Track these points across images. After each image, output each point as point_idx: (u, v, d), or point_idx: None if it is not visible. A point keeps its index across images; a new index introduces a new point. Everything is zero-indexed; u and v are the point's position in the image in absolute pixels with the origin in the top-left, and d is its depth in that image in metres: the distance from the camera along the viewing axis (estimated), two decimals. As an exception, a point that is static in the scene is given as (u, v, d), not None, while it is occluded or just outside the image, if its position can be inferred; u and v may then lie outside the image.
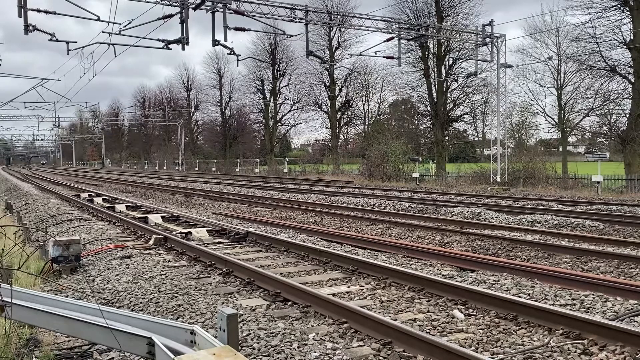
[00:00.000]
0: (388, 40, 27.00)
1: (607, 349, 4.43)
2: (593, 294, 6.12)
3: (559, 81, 35.40)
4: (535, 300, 5.79)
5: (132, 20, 19.79)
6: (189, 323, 3.87)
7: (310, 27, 25.08)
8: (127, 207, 16.76)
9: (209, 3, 20.41)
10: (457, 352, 4.09)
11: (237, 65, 24.74)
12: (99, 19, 19.78)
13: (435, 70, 40.48)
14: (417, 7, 39.30)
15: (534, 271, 7.34)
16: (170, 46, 20.78)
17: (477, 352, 4.45)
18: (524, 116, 42.14)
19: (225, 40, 20.52)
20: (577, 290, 6.37)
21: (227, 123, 68.66)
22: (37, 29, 19.04)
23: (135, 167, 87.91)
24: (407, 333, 4.58)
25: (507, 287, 6.52)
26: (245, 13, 21.74)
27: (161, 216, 13.64)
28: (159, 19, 20.06)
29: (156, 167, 78.40)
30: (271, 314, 5.64)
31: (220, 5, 20.41)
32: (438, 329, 5.10)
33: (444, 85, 40.57)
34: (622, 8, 28.02)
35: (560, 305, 5.74)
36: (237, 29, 21.57)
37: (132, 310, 5.86)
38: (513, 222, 13.22)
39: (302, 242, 9.56)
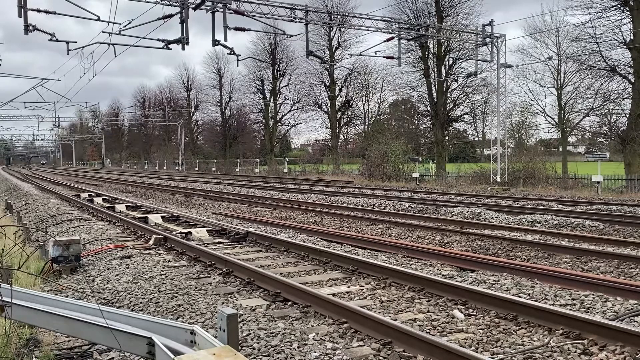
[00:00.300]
0: (388, 40, 27.01)
1: (607, 349, 4.43)
2: (593, 294, 6.12)
3: (559, 81, 35.43)
4: (535, 300, 5.79)
5: (132, 20, 19.81)
6: (189, 323, 3.87)
7: (310, 27, 25.10)
8: (127, 207, 16.76)
9: (209, 3, 20.40)
10: (457, 352, 4.09)
11: (237, 65, 24.76)
12: (99, 19, 19.79)
13: (435, 70, 40.48)
14: (417, 7, 39.36)
15: (534, 271, 7.34)
16: (170, 46, 20.78)
17: (477, 352, 4.45)
18: (524, 116, 42.21)
19: (225, 40, 20.54)
20: (577, 290, 6.37)
21: (227, 123, 68.68)
22: (37, 29, 19.04)
23: (135, 167, 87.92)
24: (407, 333, 4.58)
25: (507, 287, 6.52)
26: (245, 13, 21.74)
27: (161, 216, 13.64)
28: (159, 19, 20.06)
29: (156, 167, 78.41)
30: (271, 314, 5.64)
31: (220, 5, 20.41)
32: (438, 329, 5.10)
33: (444, 85, 40.58)
34: (622, 8, 28.01)
35: (560, 305, 5.74)
36: (237, 29, 21.57)
37: (132, 310, 5.86)
38: (513, 222, 13.22)
39: (302, 242, 9.56)
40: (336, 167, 49.73)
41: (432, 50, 40.59)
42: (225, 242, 10.36)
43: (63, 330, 3.44)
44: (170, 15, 20.05)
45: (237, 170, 56.03)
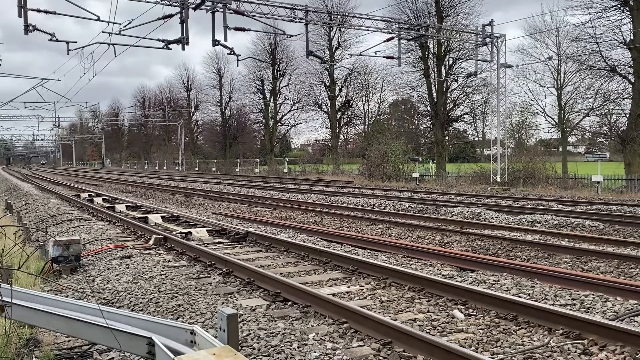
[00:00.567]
0: (388, 40, 27.01)
1: (607, 349, 4.43)
2: (593, 294, 6.12)
3: (559, 81, 35.43)
4: (535, 300, 5.79)
5: (132, 20, 19.80)
6: (189, 323, 3.87)
7: (310, 27, 25.11)
8: (127, 207, 16.76)
9: (209, 3, 20.40)
10: (457, 352, 4.09)
11: (237, 65, 24.75)
12: (99, 19, 19.79)
13: (435, 70, 40.49)
14: (417, 7, 39.36)
15: (534, 271, 7.34)
16: (170, 46, 20.78)
17: (477, 352, 4.45)
18: (524, 116, 42.20)
19: (225, 40, 20.53)
20: (577, 290, 6.37)
21: (227, 123, 68.69)
22: (37, 29, 19.04)
23: (135, 167, 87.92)
24: (407, 333, 4.58)
25: (507, 287, 6.52)
26: (245, 13, 21.74)
27: (161, 216, 13.64)
28: (159, 19, 20.06)
29: (156, 167, 78.42)
30: (271, 314, 5.64)
31: (220, 5, 20.41)
32: (438, 329, 5.10)
33: (444, 85, 40.58)
34: (622, 8, 28.01)
35: (560, 305, 5.74)
36: (237, 29, 21.57)
37: (132, 310, 5.86)
38: (513, 222, 13.22)
39: (302, 242, 9.56)
40: (336, 167, 49.74)
41: (432, 50, 40.59)
42: (225, 242, 10.36)
43: (63, 330, 3.44)
44: (170, 15, 20.05)
45: (237, 170, 56.03)
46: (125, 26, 19.98)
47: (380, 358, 4.46)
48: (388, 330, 4.75)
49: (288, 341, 4.72)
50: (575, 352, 4.43)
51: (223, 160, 64.20)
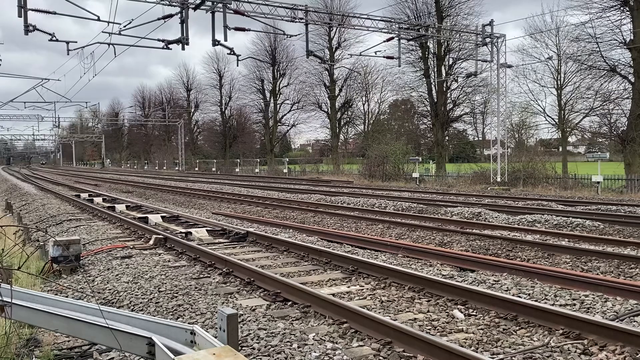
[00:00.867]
0: (388, 40, 27.00)
1: (607, 349, 4.43)
2: (593, 294, 6.12)
3: (559, 81, 35.39)
4: (535, 300, 5.79)
5: (132, 20, 19.80)
6: (189, 323, 3.87)
7: (310, 27, 25.11)
8: (127, 207, 16.76)
9: (209, 3, 20.40)
10: (457, 352, 4.09)
11: (237, 65, 24.75)
12: (99, 19, 19.79)
13: (435, 70, 40.48)
14: (417, 7, 39.35)
15: (534, 271, 7.34)
16: (170, 46, 20.78)
17: (477, 352, 4.45)
18: (524, 116, 42.15)
19: (225, 40, 20.52)
20: (577, 290, 6.37)
21: (227, 123, 68.68)
22: (37, 29, 19.04)
23: (135, 167, 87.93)
24: (407, 333, 4.58)
25: (507, 287, 6.52)
26: (245, 13, 21.74)
27: (161, 216, 13.64)
28: (158, 19, 20.06)
29: (156, 167, 78.41)
30: (271, 314, 5.64)
31: (220, 5, 20.40)
32: (438, 329, 5.10)
33: (444, 85, 40.57)
34: (622, 8, 28.01)
35: (560, 305, 5.74)
36: (237, 29, 21.56)
37: (132, 310, 5.86)
38: (513, 222, 13.22)
39: (302, 242, 9.56)
40: (336, 167, 49.72)
41: (432, 50, 40.59)
42: (225, 242, 10.36)
43: (63, 330, 3.44)
44: (170, 15, 20.04)
45: (237, 170, 56.03)
46: (125, 26, 19.99)
47: (380, 358, 4.46)
48: (388, 330, 4.75)
49: (288, 341, 4.72)
50: (575, 352, 4.43)
51: (223, 160, 64.19)
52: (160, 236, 10.35)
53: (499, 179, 28.04)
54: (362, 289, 6.65)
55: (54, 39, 20.43)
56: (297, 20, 23.18)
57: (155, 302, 6.19)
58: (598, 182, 22.64)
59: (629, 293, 6.14)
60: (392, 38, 26.59)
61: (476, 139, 58.14)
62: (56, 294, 5.97)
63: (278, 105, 60.00)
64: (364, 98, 56.16)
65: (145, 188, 29.82)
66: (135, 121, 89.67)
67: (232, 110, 68.25)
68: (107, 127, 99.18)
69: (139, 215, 14.42)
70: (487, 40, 28.33)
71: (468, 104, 43.24)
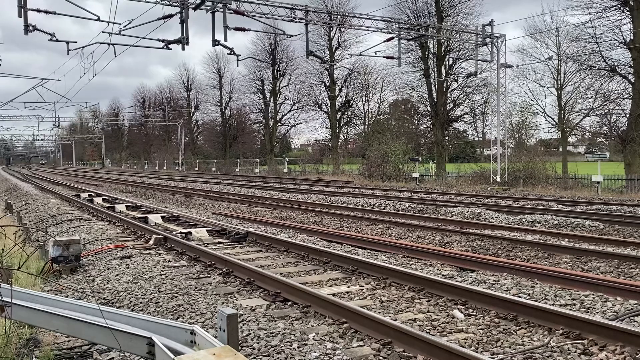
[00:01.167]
0: (388, 40, 26.99)
1: (607, 349, 4.43)
2: (593, 294, 6.12)
3: (559, 81, 35.39)
4: (535, 300, 5.79)
5: (132, 20, 19.80)
6: (189, 323, 3.87)
7: (310, 27, 25.11)
8: (127, 207, 16.76)
9: (209, 3, 20.40)
10: (457, 352, 4.09)
11: (237, 65, 24.75)
12: (99, 19, 19.78)
13: (435, 70, 40.48)
14: (417, 7, 39.35)
15: (534, 271, 7.34)
16: (170, 46, 20.78)
17: (477, 352, 4.45)
18: (524, 116, 42.13)
19: (225, 40, 20.52)
20: (577, 290, 6.37)
21: (227, 123, 68.68)
22: (37, 29, 19.04)
23: (135, 167, 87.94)
24: (407, 333, 4.58)
25: (507, 287, 6.52)
26: (245, 13, 21.73)
27: (161, 216, 13.64)
28: (158, 19, 20.06)
29: (156, 167, 78.42)
30: (271, 314, 5.64)
31: (220, 5, 20.40)
32: (438, 329, 5.10)
33: (444, 85, 40.57)
34: (622, 8, 28.01)
35: (560, 305, 5.74)
36: (237, 29, 21.56)
37: (132, 310, 5.86)
38: (513, 222, 13.22)
39: (302, 242, 9.56)
40: (336, 167, 49.72)
41: (432, 50, 40.59)
42: (225, 242, 10.36)
43: (63, 330, 3.44)
44: (170, 15, 20.04)
45: (237, 170, 56.03)
46: (125, 26, 19.99)
47: (380, 358, 4.46)
48: (388, 330, 4.75)
49: (288, 341, 4.72)
50: (575, 352, 4.43)
51: (223, 160, 64.19)
52: (160, 236, 10.35)
53: (499, 179, 28.04)
54: (362, 289, 6.65)
55: (54, 39, 20.43)
56: (297, 20, 23.18)
57: (155, 302, 6.19)
58: (598, 182, 22.64)
59: (629, 293, 6.14)
60: (392, 38, 26.59)
61: (476, 139, 58.16)
62: (56, 294, 5.97)
63: (278, 105, 60.04)
64: (364, 98, 56.22)
65: (145, 188, 29.82)
66: (135, 121, 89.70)
67: (232, 110, 68.34)
68: (107, 127, 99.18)
69: (139, 215, 14.42)
70: (487, 40, 28.33)
71: (468, 104, 43.27)
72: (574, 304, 5.79)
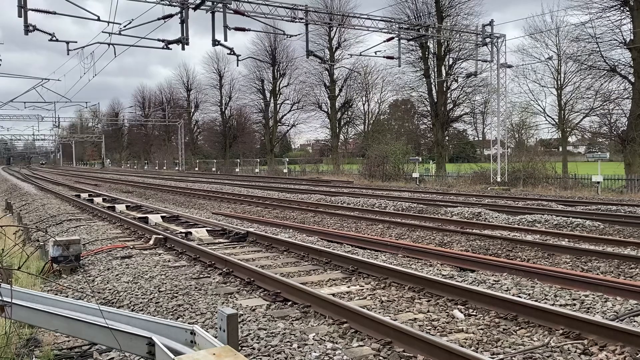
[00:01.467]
0: (388, 40, 26.99)
1: (607, 349, 4.43)
2: (593, 294, 6.12)
3: (559, 81, 35.39)
4: (535, 300, 5.79)
5: (132, 20, 19.80)
6: (189, 323, 3.87)
7: (310, 27, 25.10)
8: (127, 207, 16.76)
9: (209, 3, 20.40)
10: (457, 352, 4.09)
11: (237, 65, 24.76)
12: (99, 19, 19.78)
13: (435, 70, 40.48)
14: (417, 7, 39.35)
15: (534, 271, 7.34)
16: (170, 46, 20.78)
17: (477, 352, 4.45)
18: (524, 116, 42.13)
19: (225, 40, 20.52)
20: (577, 290, 6.37)
21: (227, 123, 68.68)
22: (37, 29, 19.04)
23: (135, 167, 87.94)
24: (407, 333, 4.58)
25: (507, 287, 6.52)
26: (245, 13, 21.73)
27: (161, 216, 13.64)
28: (158, 19, 20.06)
29: (156, 167, 78.42)
30: (271, 314, 5.64)
31: (220, 5, 20.40)
32: (438, 329, 5.10)
33: (444, 85, 40.57)
34: (622, 8, 28.01)
35: (560, 305, 5.74)
36: (237, 29, 21.56)
37: (132, 310, 5.86)
38: (513, 222, 13.22)
39: (302, 242, 9.56)
40: (336, 167, 49.72)
41: (432, 50, 40.59)
42: (225, 242, 10.36)
43: (63, 330, 3.44)
44: (170, 15, 20.04)
45: (237, 170, 56.03)
46: (125, 26, 19.99)
47: (380, 358, 4.46)
48: (388, 330, 4.75)
49: (288, 341, 4.72)
50: (575, 352, 4.43)
51: (223, 160, 64.19)
52: (160, 236, 10.35)
53: (499, 179, 28.04)
54: (362, 289, 6.65)
55: (54, 39, 20.43)
56: (297, 20, 23.18)
57: (155, 302, 6.19)
58: (598, 182, 22.64)
59: (629, 293, 6.14)
60: (392, 38, 26.58)
61: (476, 139, 58.14)
62: (56, 294, 5.97)
63: (278, 105, 60.05)
64: (364, 98, 56.22)
65: (145, 188, 29.82)
66: (135, 121, 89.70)
67: (232, 110, 68.35)
68: (107, 127, 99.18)
69: (139, 215, 14.42)
70: (487, 40, 28.33)
71: (468, 104, 43.28)
72: (574, 304, 5.79)
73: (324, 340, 4.77)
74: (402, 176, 33.35)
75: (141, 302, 6.23)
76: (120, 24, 20.09)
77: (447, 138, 45.53)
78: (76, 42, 21.49)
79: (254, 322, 5.29)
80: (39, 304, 3.51)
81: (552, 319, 5.00)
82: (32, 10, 18.66)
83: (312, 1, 40.15)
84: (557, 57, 34.78)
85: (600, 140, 36.38)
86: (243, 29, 22.22)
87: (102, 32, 20.78)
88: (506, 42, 29.10)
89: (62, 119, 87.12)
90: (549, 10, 52.38)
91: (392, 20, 26.78)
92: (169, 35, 21.85)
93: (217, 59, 66.70)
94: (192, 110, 76.78)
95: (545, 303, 5.71)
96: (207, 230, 11.16)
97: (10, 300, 3.38)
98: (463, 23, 37.47)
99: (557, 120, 36.22)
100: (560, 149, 39.60)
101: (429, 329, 5.09)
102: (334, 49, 50.61)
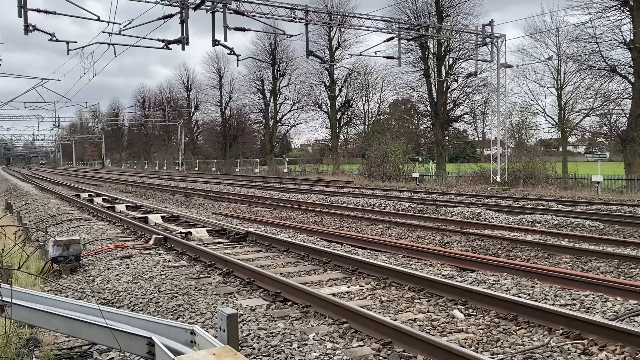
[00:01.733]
0: (388, 40, 26.99)
1: (607, 349, 4.43)
2: (593, 294, 6.12)
3: (559, 81, 35.39)
4: (535, 300, 5.79)
5: (132, 20, 19.80)
6: (189, 323, 3.87)
7: (310, 27, 25.10)
8: (127, 207, 16.76)
9: (209, 3, 20.40)
10: (457, 352, 4.09)
11: (237, 65, 24.75)
12: (99, 19, 19.78)
13: (435, 70, 40.48)
14: (417, 7, 39.35)
15: (534, 271, 7.34)
16: (170, 46, 20.78)
17: (477, 352, 4.45)
18: (524, 116, 42.13)
19: (225, 40, 20.52)
20: (577, 290, 6.37)
21: (227, 123, 68.69)
22: (37, 29, 19.04)
23: (135, 167, 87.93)
24: (407, 333, 4.58)
25: (507, 287, 6.52)
26: (245, 13, 21.73)
27: (161, 216, 13.63)
28: (158, 19, 20.06)
29: (156, 167, 78.42)
30: (271, 314, 5.64)
31: (220, 5, 20.40)
32: (438, 329, 5.10)
33: (444, 85, 40.57)
34: (622, 8, 28.01)
35: (560, 305, 5.74)
36: (237, 29, 21.56)
37: (132, 310, 5.86)
38: (513, 222, 13.22)
39: (302, 242, 9.56)
40: (336, 167, 49.72)
41: (432, 50, 40.59)
42: (225, 242, 10.36)
43: (63, 330, 3.44)
44: (170, 15, 20.04)
45: (237, 170, 56.04)
46: (125, 26, 19.99)
47: (380, 358, 4.46)
48: (388, 330, 4.75)
49: (288, 341, 4.72)
50: (575, 352, 4.43)
51: (223, 160, 64.19)
52: (160, 236, 10.35)
53: (499, 179, 28.04)
54: (362, 289, 6.65)
55: (54, 39, 20.43)
56: (297, 20, 23.18)
57: (155, 302, 6.19)
58: (598, 182, 22.64)
59: (629, 293, 6.14)
60: (392, 38, 26.58)
61: (476, 139, 58.13)
62: (56, 294, 5.97)
63: (278, 105, 60.05)
64: (364, 98, 56.20)
65: (145, 188, 29.81)
66: (135, 121, 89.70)
67: (232, 110, 68.35)
68: (107, 127, 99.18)
69: (139, 215, 14.42)
70: (487, 40, 28.33)
71: (468, 104, 43.28)
72: (574, 304, 5.79)
73: (324, 340, 4.77)
74: (402, 176, 33.35)
75: (141, 302, 6.23)
76: (120, 24, 20.12)
77: (447, 138, 45.53)
78: (76, 42, 21.51)
79: (254, 322, 5.29)
80: (39, 304, 3.51)
81: (552, 319, 5.00)
82: (32, 10, 18.66)
83: (312, 1, 40.17)
84: (557, 57, 34.80)
85: (600, 140, 36.40)
86: (243, 29, 22.23)
87: (102, 32, 20.79)
88: (506, 42, 29.14)
89: (62, 119, 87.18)
90: (549, 10, 52.44)
91: (392, 20, 26.78)
92: (169, 35, 21.87)
93: (217, 59, 66.79)
94: (192, 110, 76.81)
95: (545, 303, 5.71)
96: (207, 230, 11.17)
97: (10, 300, 3.38)
98: (463, 23, 37.51)
99: (557, 120, 36.23)
100: (560, 149, 39.60)
101: (429, 329, 5.09)
102: (334, 49, 50.62)
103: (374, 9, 78.10)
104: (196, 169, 65.72)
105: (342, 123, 55.90)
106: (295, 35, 26.15)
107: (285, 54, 57.46)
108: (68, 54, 21.64)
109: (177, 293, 6.48)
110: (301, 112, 58.28)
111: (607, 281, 6.67)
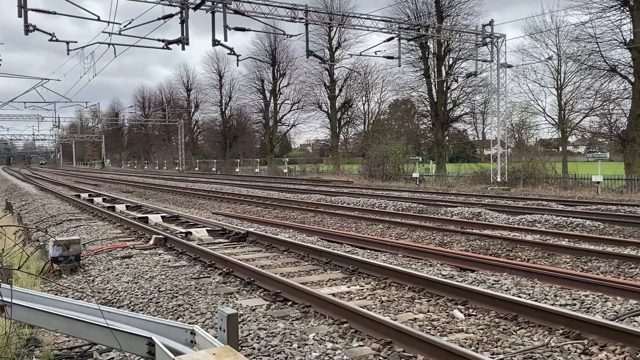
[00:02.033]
0: (388, 40, 26.99)
1: (607, 349, 4.43)
2: (593, 294, 6.12)
3: (559, 81, 35.39)
4: (535, 300, 5.79)
5: (132, 20, 19.80)
6: (189, 323, 3.87)
7: (310, 27, 25.10)
8: (127, 207, 16.76)
9: (209, 3, 20.39)
10: (457, 352, 4.09)
11: (237, 65, 24.74)
12: (99, 19, 19.78)
13: (435, 70, 40.48)
14: (417, 7, 39.36)
15: (534, 271, 7.34)
16: (170, 46, 20.78)
17: (477, 352, 4.45)
18: (524, 116, 42.11)
19: (225, 40, 20.52)
20: (577, 290, 6.37)
21: (227, 123, 68.70)
22: (37, 29, 19.04)
23: (135, 167, 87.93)
24: (407, 333, 4.58)
25: (507, 287, 6.52)
26: (245, 13, 21.73)
27: (161, 216, 13.63)
28: (158, 19, 20.05)
29: (156, 167, 78.42)
30: (271, 314, 5.64)
31: (220, 5, 20.39)
32: (438, 329, 5.10)
33: (444, 85, 40.57)
34: (622, 8, 28.01)
35: (560, 305, 5.74)
36: (237, 29, 21.56)
37: (132, 310, 5.86)
38: (513, 222, 13.22)
39: (302, 242, 9.56)
40: (336, 167, 49.72)
41: (432, 50, 40.59)
42: (225, 242, 10.36)
43: (63, 330, 3.44)
44: (170, 15, 20.04)
45: (237, 170, 56.04)
46: (125, 26, 19.99)
47: (380, 358, 4.46)
48: (388, 330, 4.75)
49: (288, 341, 4.72)
50: (575, 352, 4.43)
51: (223, 160, 64.19)
52: (161, 236, 10.35)
53: (499, 179, 28.04)
54: (362, 289, 6.65)
55: (54, 39, 20.43)
56: (297, 20, 23.17)
57: (155, 302, 6.19)
58: (598, 182, 22.64)
59: (629, 293, 6.14)
60: (392, 38, 26.58)
61: (476, 139, 58.12)
62: (56, 294, 5.97)
63: (278, 105, 60.06)
64: (364, 98, 56.18)
65: (145, 188, 29.81)
66: (135, 121, 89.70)
67: (232, 110, 68.37)
68: (107, 127, 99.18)
69: (139, 215, 14.42)
70: (487, 40, 28.32)
71: (468, 104, 43.28)
72: (574, 304, 5.79)
73: (324, 340, 4.77)
74: (402, 176, 33.36)
75: (141, 302, 6.23)
76: (120, 24, 20.12)
77: (447, 138, 45.53)
78: (76, 42, 21.51)
79: (254, 322, 5.29)
80: (39, 304, 3.51)
81: (552, 319, 5.00)
82: (32, 10, 18.66)
83: (312, 1, 40.17)
84: (557, 57, 34.80)
85: (600, 140, 36.39)
86: (243, 29, 22.23)
87: (102, 32, 20.79)
88: (506, 42, 29.13)
89: (62, 119, 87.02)
90: (548, 10, 52.40)
91: (392, 20, 26.78)
92: (169, 35, 21.89)
93: (217, 59, 66.80)
94: (192, 110, 76.82)
95: (545, 303, 5.71)
96: (207, 230, 11.17)
97: (10, 300, 3.38)
98: (463, 23, 37.52)
99: (557, 120, 36.23)
100: (560, 149, 39.60)
101: (429, 329, 5.09)
102: (334, 49, 50.62)
103: (374, 9, 78.21)
104: (196, 169, 65.72)
105: (342, 123, 55.90)
106: (295, 35, 26.18)
107: (285, 54, 57.53)
108: (68, 54, 21.66)
109: (177, 293, 6.48)
110: (301, 112, 58.36)
111: (607, 281, 6.67)
